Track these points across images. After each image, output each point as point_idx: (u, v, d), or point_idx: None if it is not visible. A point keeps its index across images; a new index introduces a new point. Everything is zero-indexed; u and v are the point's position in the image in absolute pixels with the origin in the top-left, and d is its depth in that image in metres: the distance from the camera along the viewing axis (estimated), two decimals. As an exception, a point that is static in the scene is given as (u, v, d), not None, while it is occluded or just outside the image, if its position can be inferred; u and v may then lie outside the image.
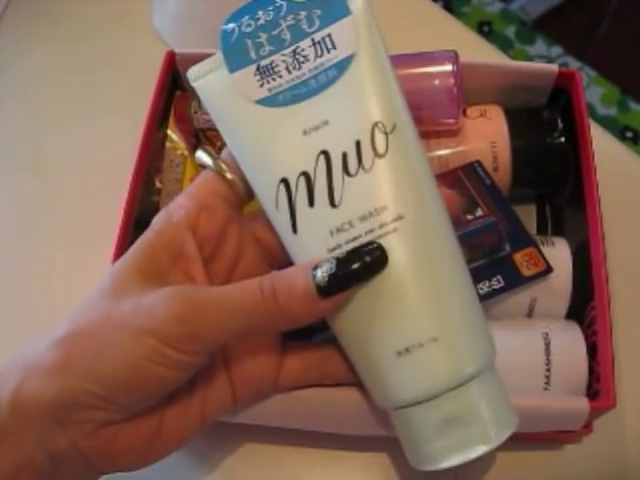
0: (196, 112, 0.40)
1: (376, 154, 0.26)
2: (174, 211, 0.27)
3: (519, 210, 0.37)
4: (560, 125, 0.39)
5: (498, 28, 1.16)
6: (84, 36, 0.55)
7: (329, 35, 0.27)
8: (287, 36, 0.27)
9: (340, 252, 0.25)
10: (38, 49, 0.55)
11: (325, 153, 0.26)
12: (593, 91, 1.09)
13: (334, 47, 0.27)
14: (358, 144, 0.26)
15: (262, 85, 0.27)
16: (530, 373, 0.33)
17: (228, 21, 0.27)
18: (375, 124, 0.26)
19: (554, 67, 0.39)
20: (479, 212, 0.36)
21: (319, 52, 0.27)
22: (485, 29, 1.16)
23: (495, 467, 0.36)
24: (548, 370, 0.33)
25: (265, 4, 0.27)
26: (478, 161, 0.38)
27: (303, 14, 0.27)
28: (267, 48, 0.27)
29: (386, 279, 0.25)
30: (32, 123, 0.51)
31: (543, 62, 1.00)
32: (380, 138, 0.26)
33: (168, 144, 0.41)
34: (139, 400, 0.25)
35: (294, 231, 0.27)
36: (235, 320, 0.24)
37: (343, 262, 0.25)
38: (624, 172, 0.46)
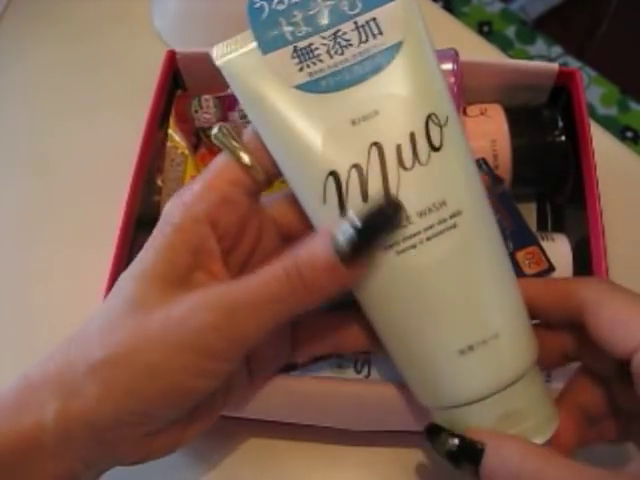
0: (197, 111, 0.40)
1: (432, 147, 0.25)
2: (192, 203, 0.25)
3: (519, 208, 0.37)
4: (560, 124, 0.39)
5: (498, 28, 1.16)
6: (84, 36, 0.55)
7: (374, 19, 0.25)
8: (325, 17, 0.25)
9: (356, 215, 0.23)
10: (38, 49, 0.55)
11: (377, 145, 0.24)
12: (593, 91, 1.09)
13: (380, 33, 0.25)
14: (412, 136, 0.24)
15: (301, 69, 0.25)
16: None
17: None
18: (429, 116, 0.25)
19: (554, 66, 0.39)
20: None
21: (363, 37, 0.25)
22: (485, 29, 1.16)
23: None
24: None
25: None
26: (483, 158, 0.38)
27: None
28: (304, 29, 0.25)
29: (445, 277, 0.25)
30: (32, 123, 0.51)
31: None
32: (435, 131, 0.25)
33: (169, 143, 0.41)
34: (180, 410, 0.25)
35: None
36: (268, 314, 0.24)
37: (362, 224, 0.23)
38: (624, 172, 0.46)
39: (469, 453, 0.25)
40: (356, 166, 0.24)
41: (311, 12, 0.25)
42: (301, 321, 0.29)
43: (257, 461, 0.37)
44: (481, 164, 0.38)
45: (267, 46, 0.25)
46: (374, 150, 0.24)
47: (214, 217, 0.25)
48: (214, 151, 0.41)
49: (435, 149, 0.25)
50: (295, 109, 0.25)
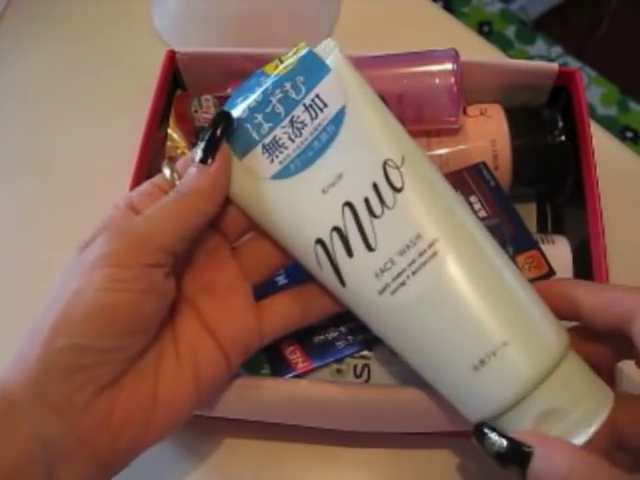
0: (196, 111, 0.40)
1: (394, 190, 0.27)
2: (126, 196, 0.29)
3: (519, 209, 0.37)
4: (560, 124, 0.39)
5: (498, 28, 1.16)
6: (84, 36, 0.55)
7: (317, 96, 0.28)
8: (280, 109, 0.28)
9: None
10: (38, 49, 0.55)
11: (348, 204, 0.27)
12: (593, 91, 1.09)
13: (325, 105, 0.28)
14: (375, 186, 0.27)
15: (272, 161, 0.28)
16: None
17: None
18: (385, 162, 0.27)
19: (554, 66, 0.39)
20: (483, 214, 0.36)
21: (313, 114, 0.28)
22: (485, 29, 1.16)
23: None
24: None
25: (251, 87, 0.29)
26: (484, 162, 0.38)
27: (288, 85, 0.28)
28: (266, 126, 0.28)
29: (441, 301, 0.26)
30: (32, 123, 0.51)
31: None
32: (394, 174, 0.27)
33: (169, 143, 0.41)
34: (114, 337, 0.25)
35: (342, 284, 0.28)
36: (164, 220, 0.26)
37: (204, 136, 0.28)
38: (624, 172, 0.46)
39: (517, 456, 0.25)
40: (336, 228, 0.27)
41: (267, 110, 0.28)
42: (264, 301, 0.31)
43: (255, 463, 0.37)
44: (481, 168, 0.38)
45: (241, 152, 0.29)
46: (347, 209, 0.27)
47: (134, 203, 0.28)
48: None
49: (398, 190, 0.27)
50: (275, 197, 0.28)
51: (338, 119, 0.28)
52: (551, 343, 0.26)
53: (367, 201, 0.27)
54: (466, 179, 0.37)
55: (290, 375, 0.33)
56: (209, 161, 0.27)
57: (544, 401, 0.25)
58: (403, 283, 0.27)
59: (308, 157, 0.28)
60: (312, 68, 0.28)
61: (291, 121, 0.28)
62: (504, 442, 0.25)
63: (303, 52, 0.29)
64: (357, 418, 0.32)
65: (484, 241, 0.27)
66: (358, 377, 0.34)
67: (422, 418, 0.31)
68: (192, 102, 0.40)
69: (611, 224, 0.36)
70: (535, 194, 0.43)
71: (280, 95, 0.28)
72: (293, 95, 0.28)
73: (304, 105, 0.28)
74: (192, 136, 0.41)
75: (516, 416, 0.26)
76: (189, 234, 0.27)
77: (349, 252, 0.27)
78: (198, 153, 0.28)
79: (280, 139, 0.28)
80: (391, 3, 0.56)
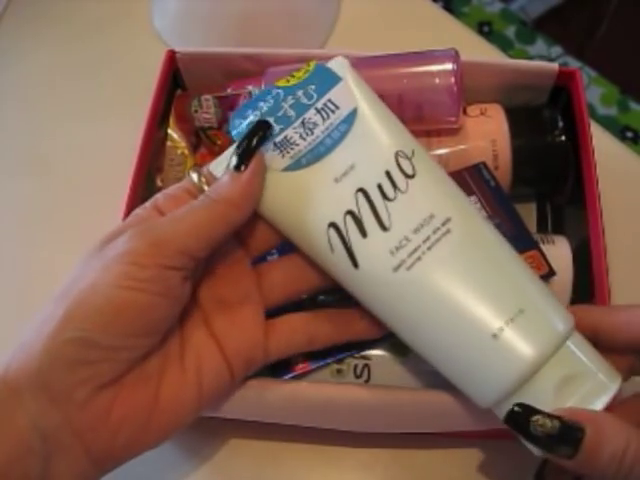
0: (196, 111, 0.40)
1: (407, 176, 0.28)
2: (155, 199, 0.29)
3: (519, 209, 0.36)
4: (560, 124, 0.39)
5: (498, 28, 1.16)
6: (84, 36, 0.55)
7: (329, 100, 0.29)
8: (292, 113, 0.29)
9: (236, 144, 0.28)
10: (38, 49, 0.55)
11: (362, 190, 0.28)
12: (593, 91, 1.09)
13: (337, 107, 0.29)
14: (388, 173, 0.28)
15: (283, 156, 0.29)
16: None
17: (234, 117, 0.30)
18: (397, 153, 0.28)
19: (554, 66, 0.39)
20: (483, 214, 0.36)
21: (325, 116, 0.29)
22: (485, 29, 1.16)
23: (495, 461, 0.36)
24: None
25: (263, 97, 0.30)
26: (484, 163, 0.38)
27: (300, 92, 0.29)
28: (277, 127, 0.29)
29: (455, 273, 0.27)
30: (32, 123, 0.51)
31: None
32: (405, 163, 0.28)
33: (169, 143, 0.41)
34: (123, 336, 0.25)
35: (355, 266, 0.28)
36: (188, 224, 0.26)
37: (240, 144, 0.28)
38: (624, 172, 0.46)
39: (569, 436, 0.24)
40: (349, 212, 0.28)
41: (279, 114, 0.29)
42: (273, 319, 0.30)
43: (256, 463, 0.37)
44: (481, 168, 0.38)
45: None
46: (360, 195, 0.28)
47: (159, 205, 0.28)
48: (214, 151, 0.41)
49: (410, 177, 0.28)
50: (286, 187, 0.29)
51: (350, 119, 0.29)
52: (561, 312, 0.27)
53: (380, 187, 0.28)
54: (466, 179, 0.37)
55: (290, 376, 0.33)
56: (242, 168, 0.27)
57: (562, 366, 0.26)
58: (419, 258, 0.27)
59: (320, 152, 0.29)
60: (323, 78, 0.29)
61: (302, 122, 0.29)
62: (556, 423, 0.24)
63: (314, 67, 0.30)
64: (357, 418, 0.32)
65: (490, 227, 0.29)
66: (358, 377, 0.34)
67: (422, 418, 0.31)
68: (192, 102, 0.40)
69: (611, 224, 0.36)
70: (535, 194, 0.43)
71: (292, 101, 0.29)
72: (305, 101, 0.29)
73: (316, 108, 0.29)
74: (192, 136, 0.41)
75: (534, 387, 0.26)
76: (212, 241, 0.27)
77: (363, 233, 0.28)
78: (233, 159, 0.28)
79: (291, 138, 0.29)
80: (391, 3, 0.56)
